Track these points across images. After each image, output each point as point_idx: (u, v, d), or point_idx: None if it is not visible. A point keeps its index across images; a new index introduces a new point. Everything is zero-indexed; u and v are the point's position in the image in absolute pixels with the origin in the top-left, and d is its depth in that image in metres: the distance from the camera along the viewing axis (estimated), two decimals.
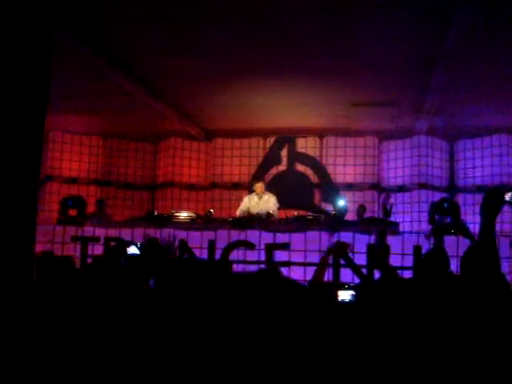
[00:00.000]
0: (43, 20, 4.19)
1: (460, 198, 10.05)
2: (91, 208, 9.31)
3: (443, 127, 9.86)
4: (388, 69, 7.52)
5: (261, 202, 8.75)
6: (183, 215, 7.88)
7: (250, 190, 9.32)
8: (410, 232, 9.02)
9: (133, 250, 4.29)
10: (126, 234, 7.47)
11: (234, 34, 6.55)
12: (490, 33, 6.25)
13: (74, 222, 7.90)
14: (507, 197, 3.74)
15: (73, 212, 8.33)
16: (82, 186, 10.66)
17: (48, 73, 4.17)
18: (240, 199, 10.06)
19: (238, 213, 8.81)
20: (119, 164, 11.19)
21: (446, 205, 6.30)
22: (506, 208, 9.73)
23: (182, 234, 7.33)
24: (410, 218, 9.96)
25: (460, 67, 7.06)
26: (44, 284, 2.97)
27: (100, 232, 7.59)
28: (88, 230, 7.69)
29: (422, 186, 10.10)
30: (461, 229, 5.95)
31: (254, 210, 8.52)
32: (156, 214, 7.99)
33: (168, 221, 7.73)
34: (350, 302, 2.90)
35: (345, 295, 2.62)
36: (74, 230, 7.68)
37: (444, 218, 6.90)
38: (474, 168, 10.21)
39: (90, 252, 7.44)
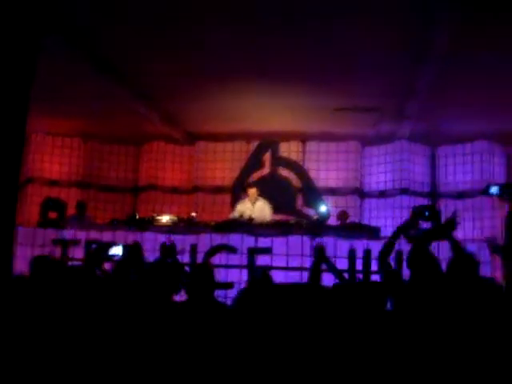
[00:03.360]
0: (31, 23, 4.16)
1: (441, 204, 10.12)
2: (72, 210, 9.22)
3: (425, 133, 9.92)
4: (370, 74, 7.57)
5: (255, 208, 8.68)
6: (165, 219, 7.85)
7: (235, 194, 9.30)
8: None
9: (115, 250, 4.26)
10: (107, 236, 7.43)
11: (218, 38, 6.55)
12: (471, 39, 6.31)
13: (55, 225, 7.84)
14: (493, 190, 3.89)
15: (53, 215, 8.26)
16: (63, 188, 10.56)
17: (32, 76, 4.14)
18: (223, 203, 10.05)
19: (231, 217, 8.73)
20: (101, 166, 11.11)
21: (427, 213, 6.31)
22: (487, 214, 9.76)
23: (163, 238, 7.32)
24: (392, 223, 10.00)
25: (442, 73, 7.11)
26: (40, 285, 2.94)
27: (81, 235, 7.54)
28: (68, 233, 7.64)
29: (403, 191, 10.15)
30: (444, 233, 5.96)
31: (247, 216, 8.41)
32: (137, 217, 7.94)
33: (150, 224, 7.69)
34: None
35: None
36: (54, 232, 7.63)
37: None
38: (455, 174, 10.28)
39: (70, 255, 7.41)
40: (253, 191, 8.83)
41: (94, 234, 7.49)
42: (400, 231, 4.19)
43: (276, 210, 9.23)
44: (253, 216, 8.14)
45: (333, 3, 5.68)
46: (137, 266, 3.44)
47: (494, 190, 4.02)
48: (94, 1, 5.80)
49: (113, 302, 2.77)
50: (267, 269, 6.79)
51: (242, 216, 8.39)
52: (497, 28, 6.04)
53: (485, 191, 4.08)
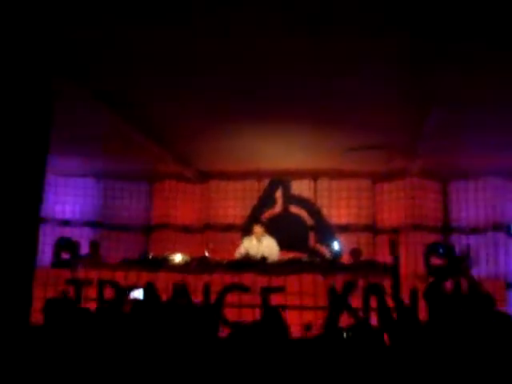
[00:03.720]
0: (45, 68, 4.25)
1: (454, 239, 10.07)
2: (84, 250, 9.25)
3: (436, 169, 9.93)
4: (380, 113, 7.60)
5: (261, 245, 8.66)
6: (178, 258, 7.84)
7: (245, 232, 9.29)
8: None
9: (136, 294, 4.24)
10: (120, 276, 7.43)
11: (231, 80, 6.64)
12: (482, 76, 6.36)
13: (68, 265, 7.85)
14: None
15: (66, 255, 8.28)
16: (76, 228, 10.60)
17: (49, 119, 4.21)
18: (234, 241, 10.04)
19: (237, 256, 8.73)
20: (113, 206, 11.16)
21: (441, 250, 6.33)
22: (501, 250, 9.68)
23: (176, 278, 7.30)
24: (405, 260, 9.92)
25: (452, 110, 7.15)
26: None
27: (94, 274, 7.55)
28: (81, 273, 7.65)
29: (416, 227, 10.11)
30: (459, 271, 5.95)
31: (253, 253, 8.42)
32: (150, 256, 7.95)
33: (162, 264, 7.69)
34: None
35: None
36: (67, 272, 7.64)
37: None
38: (467, 210, 10.25)
39: (84, 295, 7.40)
40: (258, 229, 8.82)
41: (106, 274, 7.49)
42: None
43: (288, 247, 9.21)
44: (258, 253, 8.15)
45: (341, 55, 5.79)
46: (155, 308, 3.42)
47: None
48: (107, 48, 5.91)
49: (130, 344, 2.76)
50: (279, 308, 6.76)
51: (247, 253, 8.40)
52: (501, 67, 6.10)
53: (507, 231, 4.15)
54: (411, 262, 9.88)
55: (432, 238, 9.86)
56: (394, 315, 4.30)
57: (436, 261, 7.62)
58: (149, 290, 4.51)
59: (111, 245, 10.81)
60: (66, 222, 10.67)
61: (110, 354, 2.59)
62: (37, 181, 4.09)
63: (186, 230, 11.06)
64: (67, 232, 9.99)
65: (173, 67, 6.34)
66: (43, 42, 4.86)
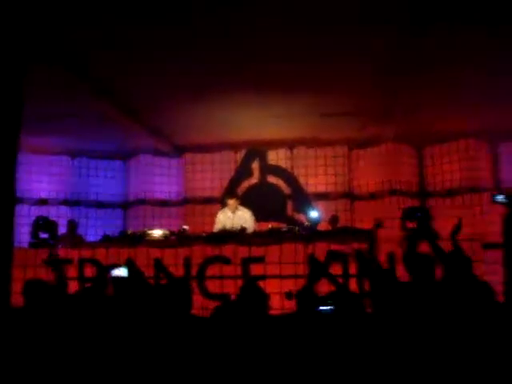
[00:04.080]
0: (16, 45, 4.17)
1: (430, 203, 10.20)
2: (62, 229, 9.18)
3: (410, 134, 10.00)
4: (354, 79, 7.61)
5: (235, 217, 8.70)
6: (157, 233, 7.83)
7: (223, 205, 9.30)
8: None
9: (119, 272, 4.23)
10: (100, 254, 7.41)
11: (203, 51, 6.57)
12: (452, 40, 6.38)
13: (46, 245, 7.79)
14: (499, 198, 4.04)
15: (44, 234, 8.20)
16: (52, 206, 10.51)
17: (21, 97, 4.14)
18: (213, 214, 10.05)
19: (215, 230, 8.75)
20: (89, 182, 11.07)
21: (418, 214, 6.40)
22: (476, 211, 9.82)
23: (156, 253, 7.31)
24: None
25: (424, 74, 7.18)
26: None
27: (73, 254, 7.51)
28: (61, 252, 7.60)
29: (392, 192, 10.20)
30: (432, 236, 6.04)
31: (228, 226, 8.48)
32: (129, 233, 7.92)
33: (142, 239, 7.67)
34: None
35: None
36: (46, 252, 7.58)
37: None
38: (442, 173, 10.37)
39: (64, 275, 7.37)
40: (231, 202, 8.81)
41: (86, 252, 7.46)
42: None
43: (267, 217, 9.24)
44: (233, 226, 8.18)
45: (315, 12, 5.73)
46: (138, 287, 3.41)
47: (499, 198, 4.17)
48: (81, 25, 5.81)
49: (120, 324, 2.77)
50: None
51: (224, 226, 8.44)
52: (478, 28, 6.13)
53: (492, 199, 4.26)
54: (388, 227, 9.99)
55: (408, 202, 9.98)
56: (374, 279, 4.38)
57: (412, 225, 7.70)
58: (130, 266, 4.49)
59: (89, 222, 10.76)
60: (42, 201, 10.57)
61: (93, 336, 2.59)
62: (10, 160, 4.03)
63: (164, 204, 11.04)
64: (44, 211, 9.88)
65: (146, 41, 6.27)
66: (14, 20, 4.76)
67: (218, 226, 8.71)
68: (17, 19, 4.62)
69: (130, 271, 4.06)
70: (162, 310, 2.93)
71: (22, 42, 4.32)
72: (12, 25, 4.39)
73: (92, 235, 10.20)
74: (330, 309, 2.61)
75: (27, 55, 4.55)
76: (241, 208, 8.84)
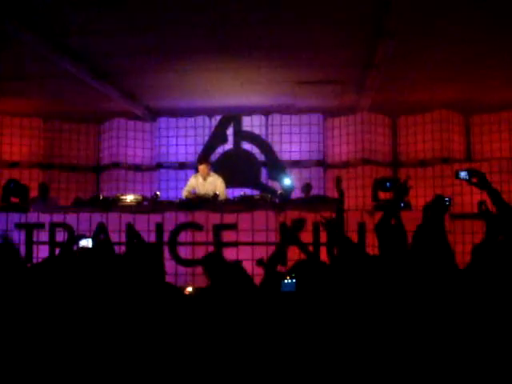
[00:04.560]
0: None
1: (402, 172, 10.31)
2: (34, 193, 9.10)
3: (385, 103, 10.03)
4: (330, 48, 7.60)
5: (206, 183, 8.73)
6: (129, 198, 7.81)
7: (197, 170, 9.29)
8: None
9: (85, 243, 4.21)
10: (71, 218, 7.39)
11: (176, 12, 6.47)
12: (429, 11, 6.38)
13: (17, 208, 7.74)
14: (462, 175, 4.12)
15: (15, 198, 8.14)
16: (24, 169, 10.38)
17: None
18: (187, 180, 10.06)
19: (184, 193, 8.78)
20: (62, 146, 10.94)
21: (388, 184, 6.47)
22: (447, 182, 9.94)
23: (128, 218, 7.31)
24: (355, 193, 10.15)
25: (400, 45, 7.18)
26: None
27: (45, 218, 7.48)
28: (32, 216, 7.56)
29: (365, 161, 10.28)
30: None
31: (201, 191, 8.51)
32: (101, 197, 7.89)
33: (114, 204, 7.66)
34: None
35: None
36: (17, 216, 7.54)
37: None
38: (415, 143, 10.47)
39: (35, 238, 7.35)
40: (202, 167, 8.83)
41: (58, 217, 7.43)
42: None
43: (240, 184, 9.27)
44: (205, 191, 8.23)
45: None
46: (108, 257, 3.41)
47: (462, 174, 4.26)
48: None
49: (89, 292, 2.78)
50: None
51: (195, 192, 8.51)
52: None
53: (455, 175, 4.32)
54: (360, 196, 10.12)
55: (381, 171, 10.08)
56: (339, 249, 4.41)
57: (383, 195, 7.80)
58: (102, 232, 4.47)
59: (61, 186, 10.67)
60: (13, 164, 10.43)
61: (59, 306, 2.60)
62: None
63: (137, 168, 10.97)
64: (15, 174, 9.78)
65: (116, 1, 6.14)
66: None
67: (187, 189, 8.76)
68: None
69: (96, 241, 4.04)
70: (133, 279, 2.95)
71: None
72: None
73: (64, 199, 10.12)
74: (293, 284, 2.64)
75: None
76: (212, 174, 8.86)
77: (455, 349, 2.58)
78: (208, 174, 8.79)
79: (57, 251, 6.83)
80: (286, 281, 2.70)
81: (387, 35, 6.87)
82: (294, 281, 2.70)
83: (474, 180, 4.35)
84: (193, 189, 8.73)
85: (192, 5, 6.27)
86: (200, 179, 8.81)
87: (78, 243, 4.19)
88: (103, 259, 3.23)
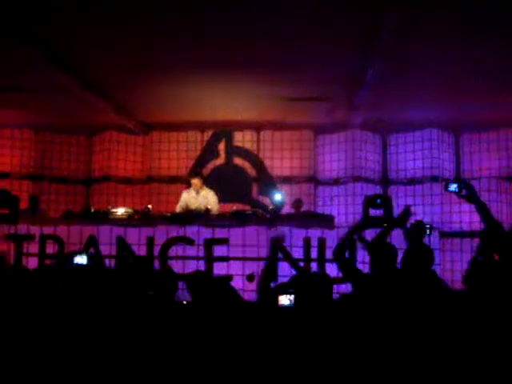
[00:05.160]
0: None
1: (392, 190, 10.38)
2: (24, 204, 9.05)
3: (376, 121, 10.12)
4: (320, 65, 7.67)
5: (199, 197, 8.74)
6: (120, 211, 7.80)
7: (188, 185, 9.30)
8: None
9: (80, 260, 4.18)
10: (62, 231, 7.35)
11: (167, 29, 6.53)
12: (420, 31, 6.48)
13: (7, 220, 7.68)
14: (452, 187, 4.15)
15: (4, 209, 8.08)
16: (14, 180, 10.34)
17: None
18: (178, 193, 10.06)
19: (178, 209, 8.79)
20: (53, 158, 10.91)
21: (378, 201, 6.51)
22: (436, 200, 10.00)
23: (119, 231, 7.29)
24: (345, 210, 10.20)
25: (390, 63, 7.28)
26: None
27: (35, 230, 7.44)
28: (22, 228, 7.52)
29: (356, 179, 10.34)
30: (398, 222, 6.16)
31: (193, 206, 8.51)
32: (92, 210, 7.87)
33: (105, 217, 7.64)
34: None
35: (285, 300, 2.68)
36: (6, 228, 7.49)
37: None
38: (405, 161, 10.55)
39: (25, 250, 7.30)
40: (195, 181, 8.86)
41: (48, 229, 7.39)
42: (354, 231, 4.34)
43: (231, 199, 9.28)
44: (197, 206, 8.23)
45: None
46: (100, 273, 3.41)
47: (452, 187, 4.28)
48: None
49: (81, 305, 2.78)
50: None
51: (187, 206, 8.49)
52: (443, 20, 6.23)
53: (445, 188, 4.34)
54: (351, 213, 10.17)
55: (371, 189, 10.14)
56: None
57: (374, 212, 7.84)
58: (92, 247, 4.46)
59: (51, 198, 10.64)
60: (3, 175, 10.38)
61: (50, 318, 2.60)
62: None
63: (129, 181, 10.97)
64: (5, 185, 9.73)
65: (111, 14, 6.18)
66: None
67: (180, 204, 8.76)
68: None
69: (90, 257, 4.02)
70: (126, 291, 2.95)
71: None
72: None
73: (53, 211, 10.08)
74: (290, 302, 2.65)
75: None
76: (205, 188, 8.88)
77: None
78: (201, 188, 8.80)
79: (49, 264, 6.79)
80: (283, 299, 2.70)
81: (376, 52, 6.96)
82: (290, 300, 2.70)
83: (463, 193, 4.39)
84: (185, 204, 8.73)
85: (184, 21, 6.32)
86: (192, 193, 8.81)
87: (72, 260, 4.17)
88: (96, 275, 3.22)
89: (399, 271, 3.75)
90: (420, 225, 4.32)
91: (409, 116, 9.88)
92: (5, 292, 2.92)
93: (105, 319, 2.82)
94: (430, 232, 4.52)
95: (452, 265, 8.96)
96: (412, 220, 5.83)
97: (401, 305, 3.12)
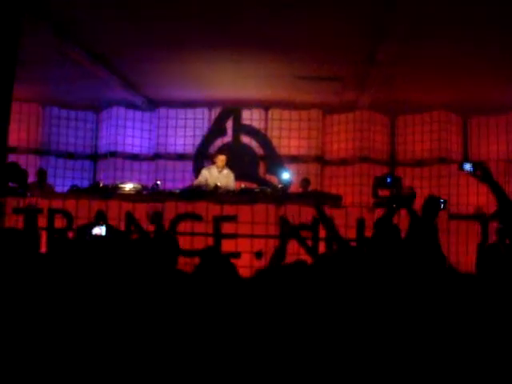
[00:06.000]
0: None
1: (399, 172, 10.36)
2: (31, 178, 9.04)
3: (385, 102, 10.07)
4: (332, 43, 7.61)
5: (221, 175, 8.67)
6: (129, 187, 7.79)
7: (196, 162, 9.27)
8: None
9: (98, 230, 4.18)
10: (70, 205, 7.36)
11: (178, 4, 6.47)
12: (431, 12, 6.42)
13: (15, 193, 7.68)
14: (466, 167, 4.14)
15: (14, 183, 8.07)
16: (21, 155, 10.32)
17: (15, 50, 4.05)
18: (185, 171, 10.05)
19: (196, 183, 8.75)
20: (59, 133, 10.89)
21: (389, 179, 6.50)
22: (444, 182, 9.96)
23: (128, 206, 7.30)
24: (352, 190, 10.19)
25: (402, 44, 7.23)
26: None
27: (43, 203, 7.44)
28: (30, 202, 7.52)
29: (363, 159, 10.32)
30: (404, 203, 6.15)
31: (214, 183, 8.39)
32: (101, 185, 7.86)
33: (114, 192, 7.63)
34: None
35: None
36: (15, 201, 7.49)
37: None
38: (413, 143, 10.52)
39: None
40: (222, 158, 8.79)
41: (56, 203, 7.39)
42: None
43: (239, 177, 9.27)
44: (219, 184, 8.15)
45: None
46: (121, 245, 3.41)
47: (467, 166, 4.27)
48: None
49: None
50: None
51: (206, 182, 8.42)
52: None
53: (459, 167, 4.33)
54: (357, 194, 10.16)
55: (379, 170, 10.12)
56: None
57: (383, 193, 7.83)
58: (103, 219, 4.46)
59: (58, 173, 10.63)
60: (10, 149, 10.35)
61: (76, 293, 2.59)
62: (3, 109, 3.97)
63: (135, 158, 10.95)
64: (12, 159, 9.70)
65: None
66: None
67: (200, 180, 8.66)
68: None
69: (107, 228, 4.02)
70: (149, 265, 2.95)
71: None
72: None
73: (60, 186, 10.08)
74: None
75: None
76: (226, 168, 8.82)
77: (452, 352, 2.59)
78: (224, 167, 8.75)
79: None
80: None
81: (389, 34, 6.91)
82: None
83: (478, 173, 4.38)
84: (205, 180, 8.59)
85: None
86: (214, 171, 8.72)
87: (90, 231, 4.16)
88: (117, 247, 3.21)
89: (405, 242, 3.75)
90: (434, 199, 4.31)
91: (417, 97, 9.83)
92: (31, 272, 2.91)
93: (127, 294, 2.82)
94: (445, 206, 4.50)
95: (457, 247, 8.96)
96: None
97: (403, 278, 3.10)
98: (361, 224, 7.13)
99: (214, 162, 8.90)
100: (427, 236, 4.57)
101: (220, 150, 9.44)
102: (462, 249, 9.10)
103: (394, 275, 3.24)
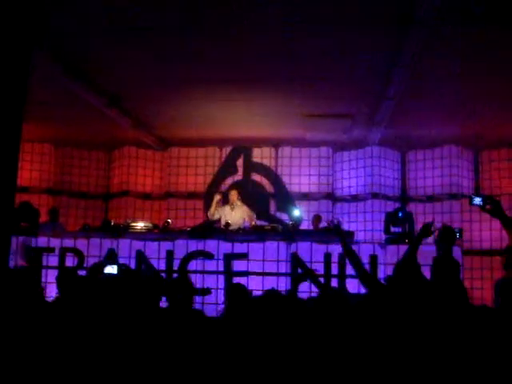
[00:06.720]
0: (23, 37, 4.14)
1: (411, 208, 10.30)
2: (43, 218, 9.09)
3: (395, 138, 10.08)
4: (342, 82, 7.66)
5: (233, 212, 8.70)
6: (140, 225, 7.81)
7: (207, 200, 9.29)
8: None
9: (110, 269, 4.16)
10: (81, 244, 7.37)
11: (190, 46, 6.56)
12: (443, 48, 6.46)
13: (27, 233, 7.71)
14: (476, 200, 4.10)
15: (25, 222, 8.12)
16: (34, 195, 10.39)
17: (25, 87, 4.11)
18: (196, 209, 10.06)
19: (210, 212, 8.82)
20: (72, 172, 10.99)
21: (400, 214, 6.47)
22: (456, 218, 9.86)
23: (138, 245, 7.29)
24: (364, 227, 10.14)
25: (412, 80, 7.25)
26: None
27: (55, 242, 7.46)
28: (42, 241, 7.54)
29: (374, 195, 10.29)
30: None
31: (228, 219, 8.37)
32: (112, 223, 7.88)
33: (125, 231, 7.64)
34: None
35: None
36: (27, 240, 7.52)
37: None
38: (424, 178, 10.49)
39: (44, 263, 7.32)
40: (234, 192, 8.84)
41: (68, 242, 7.41)
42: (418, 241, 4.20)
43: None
44: (229, 221, 8.14)
45: (306, 12, 5.74)
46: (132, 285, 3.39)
47: (477, 200, 4.22)
48: (68, 11, 5.77)
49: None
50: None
51: (220, 218, 8.47)
52: (465, 39, 6.21)
53: (469, 201, 4.28)
54: (369, 230, 10.11)
55: (390, 206, 10.08)
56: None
57: (395, 228, 7.79)
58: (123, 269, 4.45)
59: (70, 212, 10.69)
60: (23, 189, 10.44)
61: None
62: (13, 149, 4.00)
63: (147, 197, 11.01)
64: (25, 199, 9.76)
65: (132, 30, 6.22)
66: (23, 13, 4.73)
67: (213, 212, 8.74)
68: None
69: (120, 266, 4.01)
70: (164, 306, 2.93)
71: (28, 27, 4.27)
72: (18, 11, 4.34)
73: (72, 225, 10.11)
74: None
75: (32, 40, 4.51)
76: (239, 202, 8.86)
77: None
78: (235, 202, 8.79)
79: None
80: None
81: (398, 69, 6.94)
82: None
83: (488, 207, 4.33)
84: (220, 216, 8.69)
85: (207, 38, 6.36)
86: (227, 209, 8.78)
87: (103, 270, 4.15)
88: (129, 286, 3.19)
89: (430, 283, 3.69)
90: (449, 228, 4.25)
91: (428, 132, 9.84)
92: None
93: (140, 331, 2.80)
94: (461, 235, 4.45)
95: (471, 283, 8.84)
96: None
97: (433, 318, 3.06)
98: (374, 260, 7.07)
99: (226, 201, 8.94)
100: (451, 274, 4.48)
101: (232, 186, 9.48)
102: (476, 284, 9.01)
103: (423, 319, 3.19)
